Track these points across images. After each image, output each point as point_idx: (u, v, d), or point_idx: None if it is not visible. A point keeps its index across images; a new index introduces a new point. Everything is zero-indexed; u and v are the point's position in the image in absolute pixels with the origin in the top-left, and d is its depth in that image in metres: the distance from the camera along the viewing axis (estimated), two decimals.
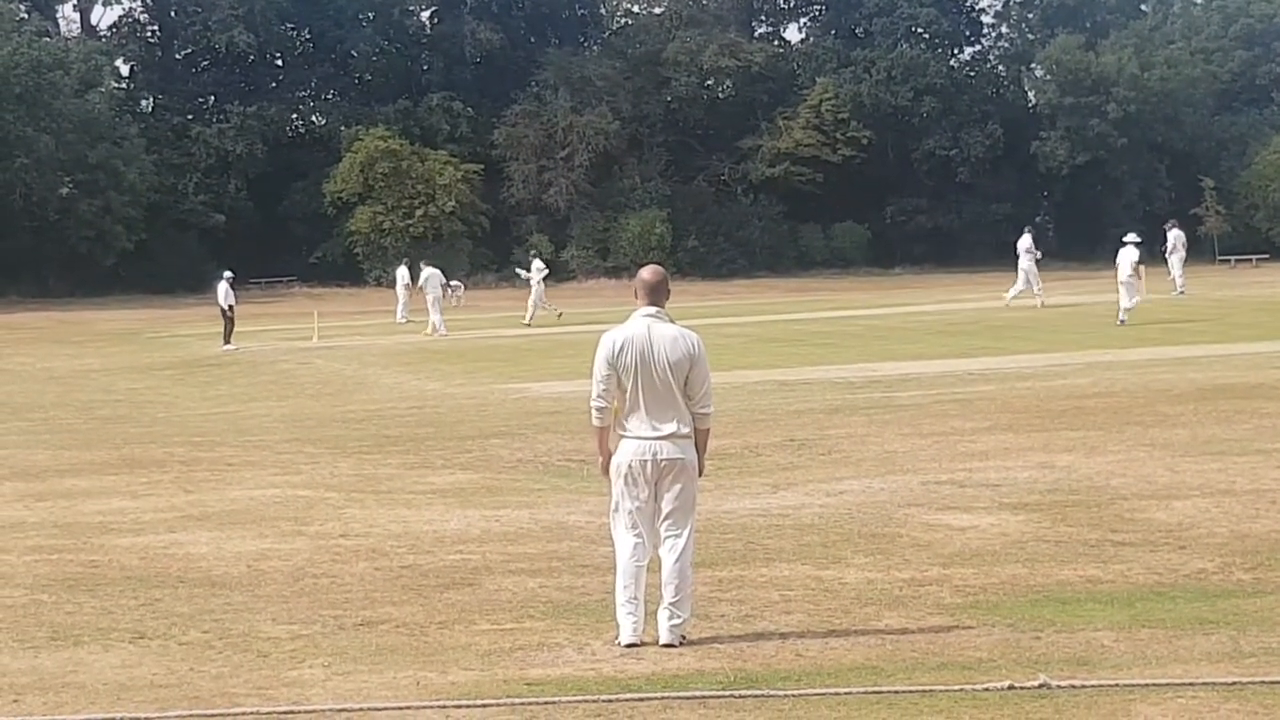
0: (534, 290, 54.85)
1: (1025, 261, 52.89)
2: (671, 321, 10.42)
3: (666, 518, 10.29)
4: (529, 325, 51.64)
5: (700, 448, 10.42)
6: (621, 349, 10.28)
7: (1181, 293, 53.62)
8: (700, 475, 10.47)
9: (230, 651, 10.35)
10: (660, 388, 10.21)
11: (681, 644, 10.07)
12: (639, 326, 10.34)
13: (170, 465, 20.09)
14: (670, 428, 10.22)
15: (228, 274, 48.44)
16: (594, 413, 10.43)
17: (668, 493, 10.26)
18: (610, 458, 10.43)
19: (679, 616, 10.16)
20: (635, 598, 10.18)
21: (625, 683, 9.30)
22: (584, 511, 15.41)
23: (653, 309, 10.39)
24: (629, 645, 10.06)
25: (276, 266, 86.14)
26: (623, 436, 10.33)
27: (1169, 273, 57.46)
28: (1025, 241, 53.16)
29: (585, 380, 31.90)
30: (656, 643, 10.10)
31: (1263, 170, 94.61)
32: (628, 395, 10.27)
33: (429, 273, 52.11)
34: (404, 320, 55.43)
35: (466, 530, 14.63)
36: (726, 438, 20.30)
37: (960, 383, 27.26)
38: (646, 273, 10.58)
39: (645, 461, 10.22)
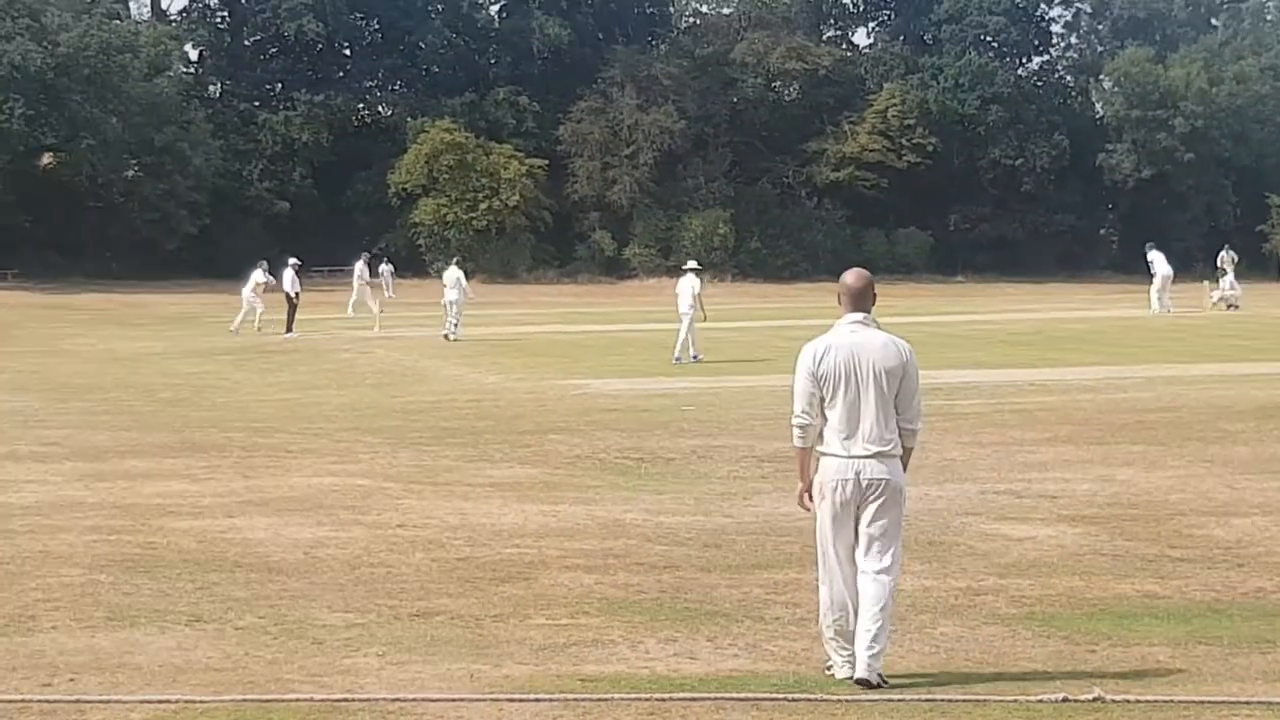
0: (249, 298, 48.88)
1: (1166, 268, 53.33)
2: (879, 328, 9.59)
3: (870, 544, 9.33)
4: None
5: (904, 467, 9.59)
6: (824, 358, 9.41)
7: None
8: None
9: (285, 638, 10.38)
10: (868, 400, 9.37)
11: (880, 683, 9.13)
12: (844, 334, 9.47)
13: (230, 450, 20.17)
14: (876, 446, 9.37)
15: (294, 261, 48.38)
16: (795, 431, 9.57)
17: (872, 517, 9.34)
18: (809, 483, 9.59)
19: (875, 648, 9.19)
20: (844, 630, 9.31)
21: (679, 682, 9.29)
22: (641, 509, 15.41)
23: (859, 315, 9.49)
24: (846, 679, 9.22)
25: (339, 256, 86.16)
26: (823, 455, 9.48)
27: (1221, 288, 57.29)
28: (1158, 257, 53.81)
29: (643, 379, 31.82)
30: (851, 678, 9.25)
31: None
32: (832, 409, 9.41)
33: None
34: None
35: (523, 524, 14.65)
36: (789, 441, 20.26)
37: (1020, 393, 27.16)
38: (850, 277, 9.64)
39: (847, 481, 9.34)
